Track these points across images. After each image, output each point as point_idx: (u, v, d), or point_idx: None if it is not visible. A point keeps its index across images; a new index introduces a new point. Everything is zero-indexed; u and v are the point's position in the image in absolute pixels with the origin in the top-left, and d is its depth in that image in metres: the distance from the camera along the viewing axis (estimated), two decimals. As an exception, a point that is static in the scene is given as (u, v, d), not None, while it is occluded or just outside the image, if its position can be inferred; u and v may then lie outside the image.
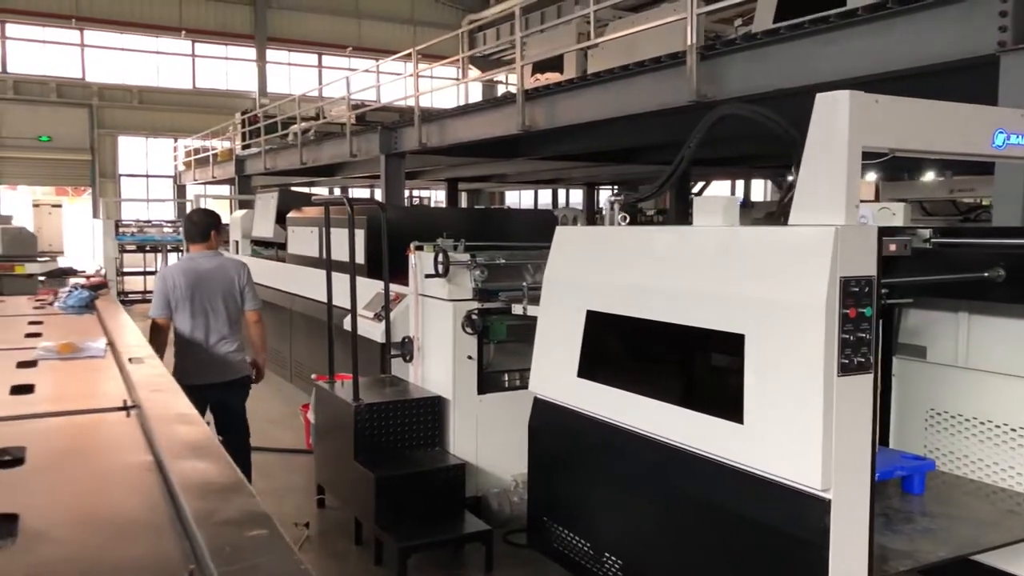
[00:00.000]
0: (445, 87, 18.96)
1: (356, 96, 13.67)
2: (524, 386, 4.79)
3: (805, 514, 2.35)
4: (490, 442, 4.85)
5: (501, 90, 21.60)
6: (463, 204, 24.02)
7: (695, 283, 2.74)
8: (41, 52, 24.46)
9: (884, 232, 2.40)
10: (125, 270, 17.04)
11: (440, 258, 4.69)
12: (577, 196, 25.78)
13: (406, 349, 5.15)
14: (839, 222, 2.34)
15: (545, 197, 28.14)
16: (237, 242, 10.97)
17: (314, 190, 21.42)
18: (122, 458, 1.77)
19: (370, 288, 5.62)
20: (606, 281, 3.17)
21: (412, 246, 5.06)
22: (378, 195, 21.55)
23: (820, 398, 2.29)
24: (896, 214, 3.76)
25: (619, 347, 3.24)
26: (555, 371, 3.40)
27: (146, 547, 1.30)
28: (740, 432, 2.53)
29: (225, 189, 23.38)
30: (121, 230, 16.70)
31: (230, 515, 1.31)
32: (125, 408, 2.13)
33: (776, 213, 3.32)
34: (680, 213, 14.28)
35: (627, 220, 3.47)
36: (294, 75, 27.76)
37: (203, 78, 26.59)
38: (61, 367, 2.81)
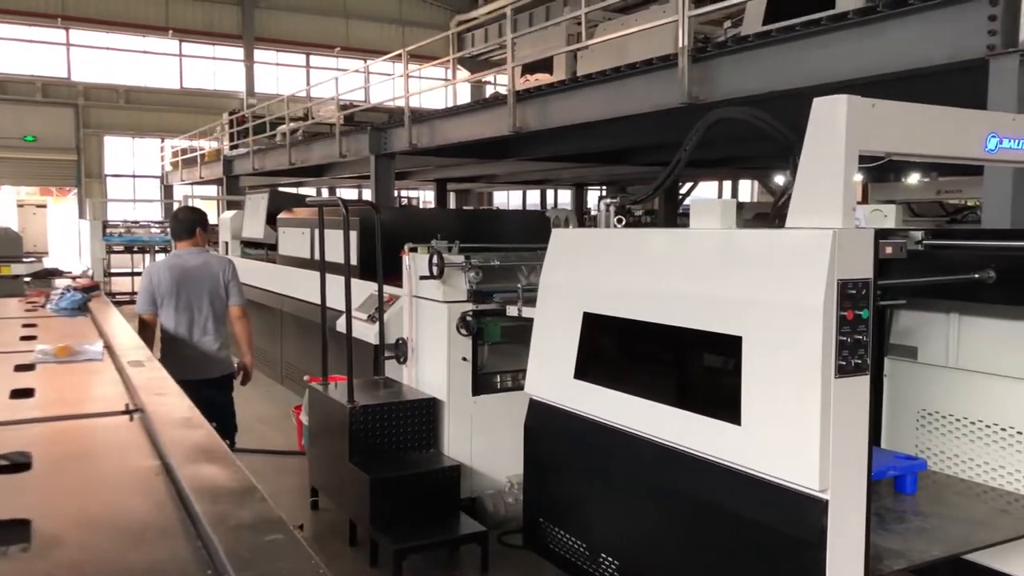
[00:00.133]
0: (435, 88, 18.94)
1: (345, 96, 13.64)
2: (518, 387, 4.82)
3: (803, 514, 2.38)
4: (484, 443, 4.86)
5: (490, 91, 21.61)
6: (452, 205, 24.02)
7: (692, 285, 2.76)
8: (26, 51, 24.26)
9: (880, 235, 2.43)
10: (112, 271, 16.94)
11: (435, 260, 4.70)
12: (565, 196, 25.85)
13: (400, 351, 5.16)
14: (836, 225, 2.36)
15: (534, 197, 28.17)
16: (227, 243, 10.92)
17: (302, 190, 21.38)
18: (128, 462, 1.77)
19: (363, 289, 5.62)
20: (603, 283, 3.18)
21: (406, 248, 5.07)
22: (366, 195, 21.55)
23: (817, 400, 2.31)
24: (888, 216, 3.80)
25: (616, 349, 3.25)
26: (551, 373, 3.41)
27: (160, 552, 1.30)
28: (738, 433, 2.55)
29: (212, 189, 23.29)
30: (109, 231, 16.59)
31: (244, 519, 1.32)
32: (128, 412, 2.13)
33: (771, 215, 3.36)
34: (669, 214, 14.35)
35: (622, 223, 3.50)
36: (282, 75, 27.65)
37: (190, 78, 26.45)
38: (59, 370, 2.80)
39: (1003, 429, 3.20)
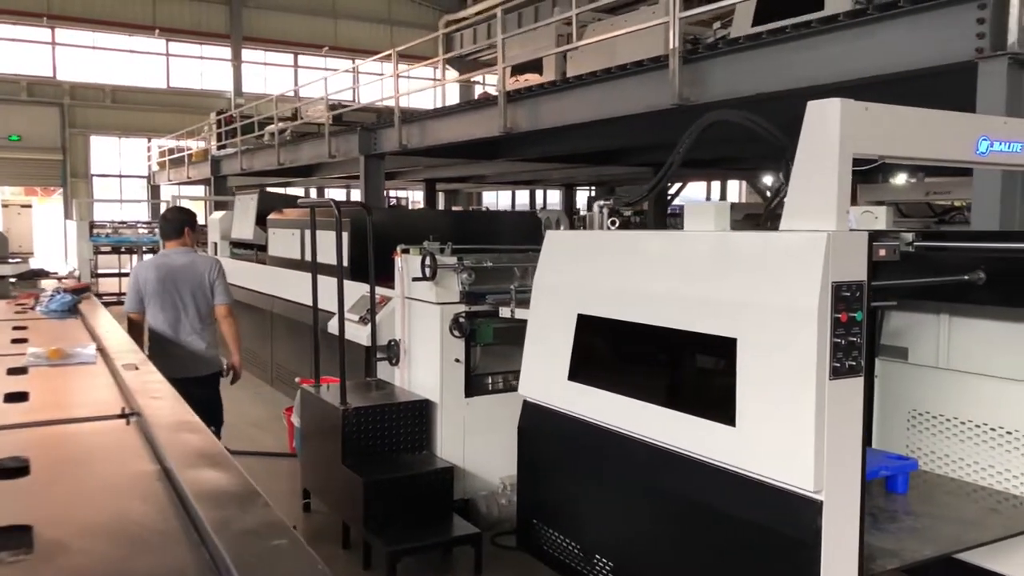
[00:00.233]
0: (425, 88, 18.93)
1: (333, 96, 13.61)
2: (511, 389, 4.83)
3: (797, 515, 2.39)
4: (477, 445, 4.87)
5: (478, 90, 21.61)
6: (441, 205, 24.00)
7: (687, 287, 2.77)
8: (11, 50, 24.06)
9: (873, 237, 2.45)
10: (100, 272, 16.83)
11: (428, 261, 4.70)
12: (555, 196, 25.88)
13: (392, 352, 5.15)
14: (830, 228, 2.38)
15: (523, 198, 28.20)
16: (216, 243, 10.88)
17: (289, 190, 21.32)
18: (127, 467, 1.77)
19: (354, 291, 5.61)
20: (597, 285, 3.19)
21: (399, 249, 5.06)
22: (355, 196, 21.49)
23: (812, 401, 2.33)
24: (878, 217, 3.83)
25: (610, 351, 3.26)
26: (545, 374, 3.42)
27: (165, 558, 1.30)
28: (732, 435, 2.56)
29: (200, 190, 23.18)
30: (96, 231, 16.48)
31: (248, 524, 1.32)
32: (124, 416, 2.12)
33: (763, 217, 3.38)
34: (658, 214, 14.38)
35: (616, 225, 3.51)
36: (270, 75, 27.55)
37: (177, 77, 26.30)
38: (53, 374, 2.78)
39: (992, 429, 3.23)
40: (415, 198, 27.18)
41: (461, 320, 4.69)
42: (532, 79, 9.93)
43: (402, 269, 5.05)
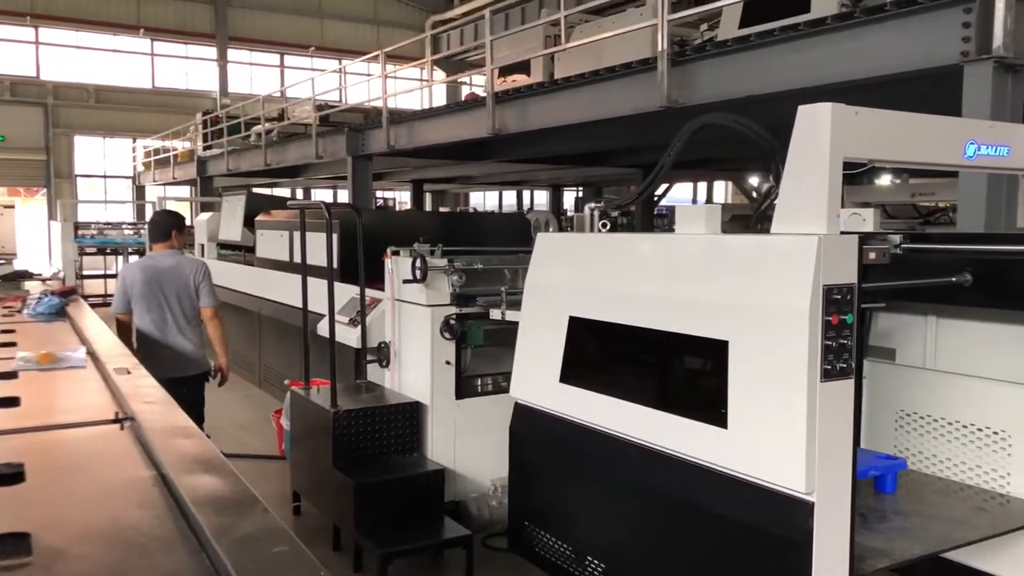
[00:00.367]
0: (413, 89, 18.91)
1: (321, 97, 13.57)
2: (501, 391, 4.83)
3: (789, 516, 2.41)
4: (468, 447, 4.87)
5: (465, 91, 21.60)
6: (428, 205, 23.97)
7: (679, 290, 2.79)
8: (-6, 50, 23.86)
9: (864, 240, 2.47)
10: (85, 273, 16.70)
11: (418, 263, 4.69)
12: (542, 197, 25.90)
13: (383, 354, 5.14)
14: (821, 231, 2.40)
15: (510, 198, 28.20)
16: (203, 245, 10.82)
17: (276, 191, 21.23)
18: (123, 473, 1.76)
19: (344, 293, 5.60)
20: (589, 287, 3.20)
21: (389, 251, 5.06)
22: (342, 196, 21.42)
23: (804, 403, 2.34)
24: (866, 220, 3.86)
25: (602, 353, 3.27)
26: (537, 376, 3.42)
27: (165, 564, 1.30)
28: (724, 437, 2.58)
29: (186, 190, 23.04)
30: (80, 232, 16.35)
31: (248, 531, 1.32)
32: (118, 420, 2.12)
33: (753, 219, 3.41)
34: (645, 216, 14.44)
35: (607, 227, 3.52)
36: (256, 75, 27.43)
37: (163, 77, 26.13)
38: (43, 378, 2.77)
39: (980, 429, 3.26)
40: (402, 199, 27.12)
41: (452, 322, 4.69)
42: (520, 80, 9.94)
43: (392, 271, 5.05)
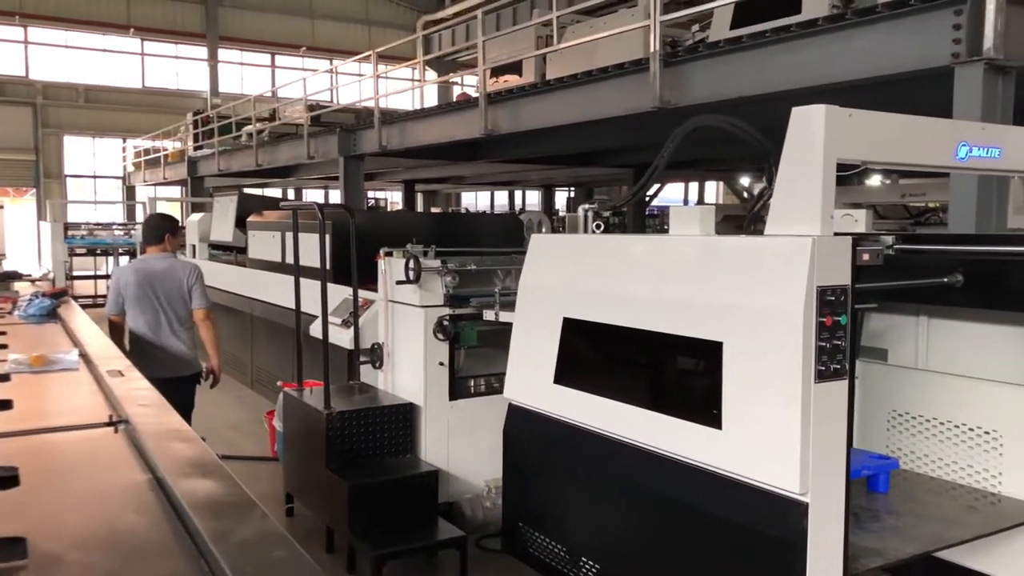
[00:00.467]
0: (405, 90, 18.89)
1: (312, 97, 13.54)
2: (495, 391, 4.84)
3: (783, 517, 2.42)
4: (462, 448, 4.87)
5: (456, 91, 21.58)
6: (420, 206, 23.94)
7: (673, 291, 2.79)
8: (-18, 49, 23.71)
9: (857, 242, 2.48)
10: (75, 274, 16.61)
11: (411, 264, 4.69)
12: (533, 197, 25.89)
13: (376, 356, 5.14)
14: (815, 232, 2.41)
15: (502, 198, 28.20)
16: (194, 246, 10.78)
17: (267, 191, 21.17)
18: (118, 476, 1.76)
19: (336, 294, 5.59)
20: (583, 289, 3.21)
21: (382, 252, 5.05)
22: (333, 196, 21.36)
23: (798, 404, 2.35)
24: (858, 220, 3.87)
25: (596, 354, 3.28)
26: (531, 378, 3.43)
27: (162, 570, 1.29)
28: (719, 437, 2.59)
29: (176, 191, 22.94)
30: (70, 233, 16.25)
31: (247, 536, 1.32)
32: (112, 424, 2.11)
33: (747, 220, 3.41)
34: (637, 216, 14.46)
35: (601, 228, 3.53)
36: (246, 75, 27.34)
37: (153, 77, 26.01)
38: (36, 381, 2.75)
39: (971, 429, 3.28)
40: (394, 199, 27.08)
41: (445, 323, 4.69)
42: (512, 80, 9.95)
43: (385, 272, 5.04)
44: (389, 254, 5.01)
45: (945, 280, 3.08)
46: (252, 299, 8.48)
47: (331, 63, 24.16)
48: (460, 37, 16.63)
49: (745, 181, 16.95)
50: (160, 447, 1.81)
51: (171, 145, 19.82)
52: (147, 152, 21.38)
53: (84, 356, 3.15)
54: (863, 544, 2.73)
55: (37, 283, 7.13)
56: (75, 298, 6.20)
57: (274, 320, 7.74)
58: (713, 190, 25.30)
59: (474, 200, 29.08)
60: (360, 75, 19.53)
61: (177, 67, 26.43)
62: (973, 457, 3.28)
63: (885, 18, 4.75)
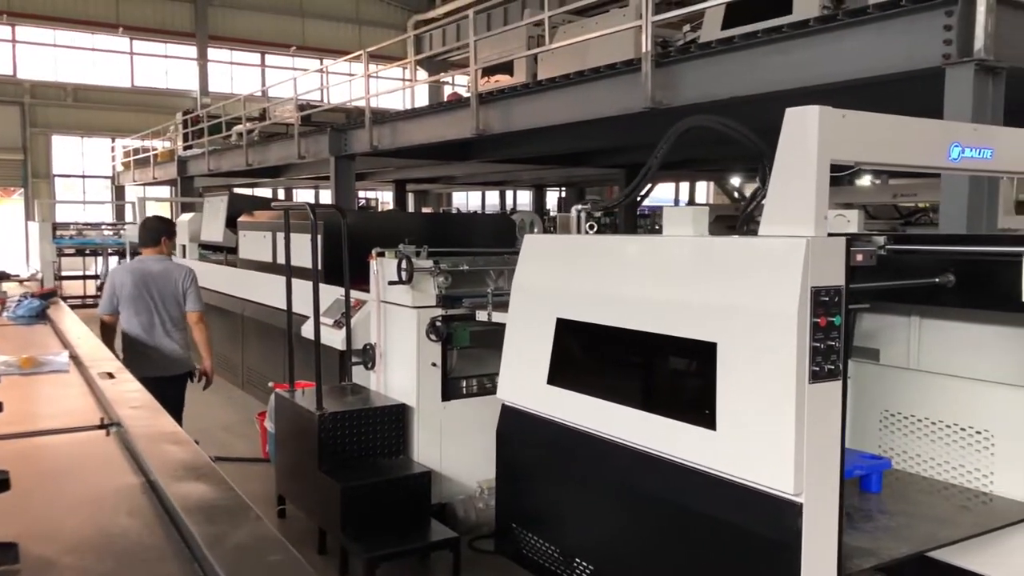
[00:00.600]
0: (396, 89, 18.85)
1: (303, 97, 13.49)
2: (487, 392, 4.83)
3: (778, 518, 2.42)
4: (454, 449, 4.86)
5: (448, 91, 21.56)
6: (410, 206, 23.91)
7: (667, 292, 2.79)
8: (-31, 48, 23.55)
9: (851, 242, 2.49)
10: (64, 274, 16.51)
11: (404, 264, 4.67)
12: (524, 197, 25.91)
13: (368, 356, 5.12)
14: (809, 233, 2.40)
15: (493, 198, 28.18)
16: (184, 246, 10.73)
17: (257, 191, 21.09)
18: (110, 480, 1.74)
19: (328, 294, 5.57)
20: (577, 289, 3.20)
21: (374, 252, 5.03)
22: (324, 196, 21.33)
23: (792, 405, 2.35)
24: (850, 221, 3.88)
25: (590, 355, 3.27)
26: (524, 378, 3.42)
27: (155, 573, 1.28)
28: (713, 438, 2.59)
29: (166, 190, 22.83)
30: (59, 233, 16.16)
31: (241, 540, 1.30)
32: (103, 426, 2.09)
33: (739, 221, 3.42)
34: (628, 216, 14.48)
35: (594, 229, 3.52)
36: (236, 74, 27.24)
37: (142, 76, 25.89)
38: (25, 383, 2.73)
39: (963, 429, 3.29)
40: (385, 199, 27.03)
41: (438, 324, 4.67)
42: (503, 80, 9.93)
43: (377, 272, 5.02)
44: (381, 254, 5.00)
45: (937, 280, 3.09)
46: (243, 299, 8.45)
47: (321, 63, 24.10)
48: (451, 37, 16.63)
49: (736, 181, 16.99)
50: (153, 450, 1.79)
51: (160, 145, 19.74)
52: (136, 152, 21.28)
53: (74, 358, 3.13)
54: (856, 544, 2.73)
55: (25, 284, 7.09)
56: (64, 299, 6.18)
57: (265, 321, 7.71)
58: (703, 190, 25.35)
59: (465, 200, 29.05)
60: (351, 75, 19.48)
61: (166, 66, 26.32)
62: (965, 457, 3.29)
63: (876, 19, 4.76)
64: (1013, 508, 3.07)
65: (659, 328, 2.80)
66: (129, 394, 2.40)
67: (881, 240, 3.12)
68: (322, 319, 5.11)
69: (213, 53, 26.71)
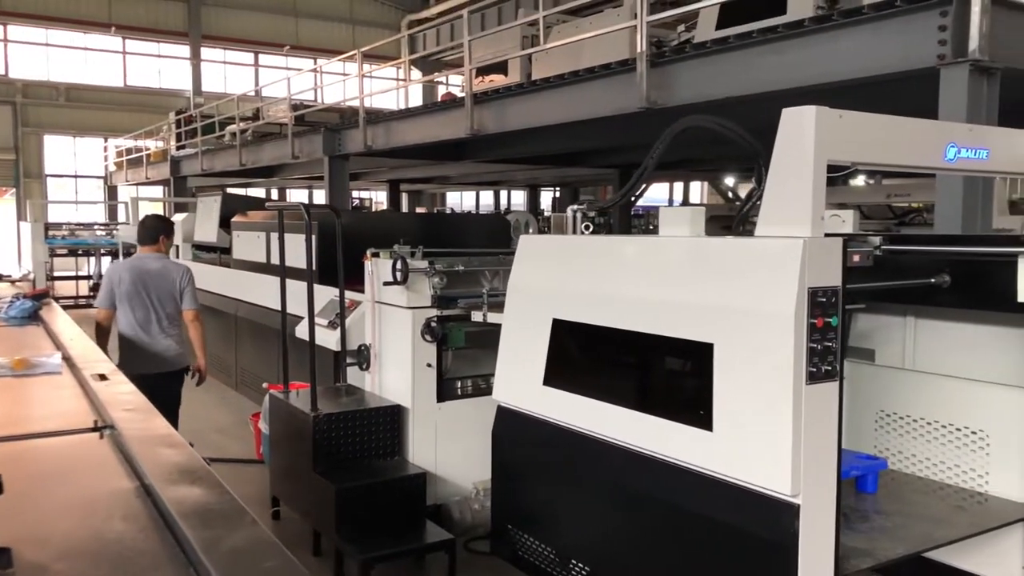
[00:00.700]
0: (390, 89, 18.83)
1: (296, 96, 13.46)
2: (482, 393, 4.81)
3: (775, 519, 2.42)
4: (450, 450, 4.84)
5: (442, 90, 21.53)
6: (405, 206, 23.88)
7: (664, 293, 2.79)
8: (-39, 48, 23.42)
9: (847, 243, 2.48)
10: (56, 274, 16.44)
11: (399, 265, 4.66)
12: (518, 197, 25.89)
13: (363, 357, 5.10)
14: (806, 234, 2.40)
15: (487, 198, 28.17)
16: (178, 246, 10.68)
17: (251, 191, 21.03)
18: (104, 483, 1.72)
19: (323, 295, 5.55)
20: (573, 290, 3.19)
21: (369, 253, 5.02)
22: (318, 196, 21.26)
23: (789, 406, 2.35)
24: (845, 221, 3.88)
25: (586, 356, 3.27)
26: (520, 379, 3.41)
27: (151, 579, 1.27)
28: (709, 439, 2.58)
29: (159, 190, 22.75)
30: (51, 233, 16.08)
31: (238, 544, 1.29)
32: (97, 429, 2.07)
33: (736, 221, 3.42)
34: (623, 216, 14.49)
35: (590, 229, 3.52)
36: (230, 74, 27.15)
37: (135, 76, 25.77)
38: (17, 385, 2.71)
39: (958, 429, 3.30)
40: (378, 199, 26.99)
41: (433, 324, 4.66)
42: (497, 80, 9.92)
43: (372, 273, 5.00)
44: (376, 255, 4.98)
45: (932, 281, 3.10)
46: (237, 300, 8.42)
47: (315, 62, 24.04)
48: (445, 37, 16.63)
49: (730, 181, 17.01)
50: (147, 453, 1.78)
51: (153, 144, 19.67)
52: (129, 152, 21.20)
53: (67, 359, 3.11)
54: (853, 545, 2.73)
55: (17, 284, 7.05)
56: (56, 299, 6.16)
57: (259, 321, 7.69)
58: (698, 190, 25.37)
59: (459, 200, 29.03)
60: (345, 75, 19.44)
61: (159, 66, 26.21)
62: (960, 457, 3.30)
63: (871, 19, 4.76)
64: (1008, 508, 3.07)
65: (655, 329, 2.79)
66: (122, 396, 2.38)
67: (877, 240, 3.12)
68: (316, 320, 5.09)
69: (206, 53, 26.61)
